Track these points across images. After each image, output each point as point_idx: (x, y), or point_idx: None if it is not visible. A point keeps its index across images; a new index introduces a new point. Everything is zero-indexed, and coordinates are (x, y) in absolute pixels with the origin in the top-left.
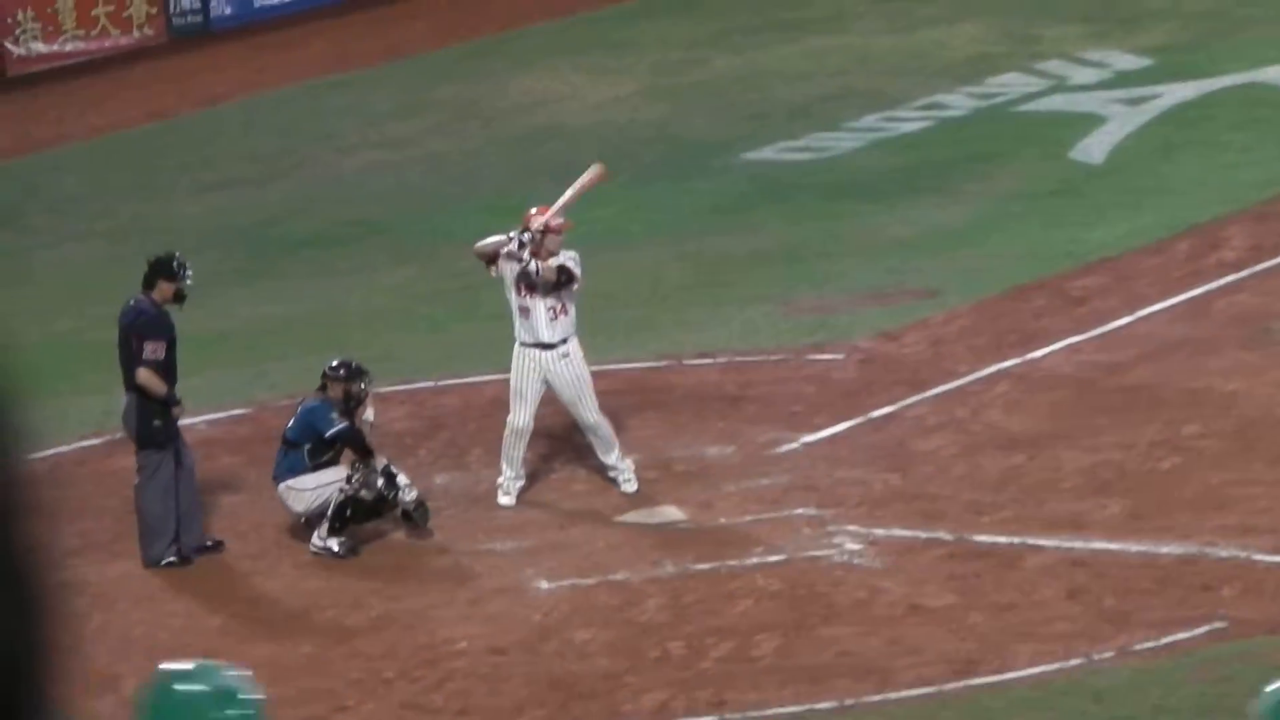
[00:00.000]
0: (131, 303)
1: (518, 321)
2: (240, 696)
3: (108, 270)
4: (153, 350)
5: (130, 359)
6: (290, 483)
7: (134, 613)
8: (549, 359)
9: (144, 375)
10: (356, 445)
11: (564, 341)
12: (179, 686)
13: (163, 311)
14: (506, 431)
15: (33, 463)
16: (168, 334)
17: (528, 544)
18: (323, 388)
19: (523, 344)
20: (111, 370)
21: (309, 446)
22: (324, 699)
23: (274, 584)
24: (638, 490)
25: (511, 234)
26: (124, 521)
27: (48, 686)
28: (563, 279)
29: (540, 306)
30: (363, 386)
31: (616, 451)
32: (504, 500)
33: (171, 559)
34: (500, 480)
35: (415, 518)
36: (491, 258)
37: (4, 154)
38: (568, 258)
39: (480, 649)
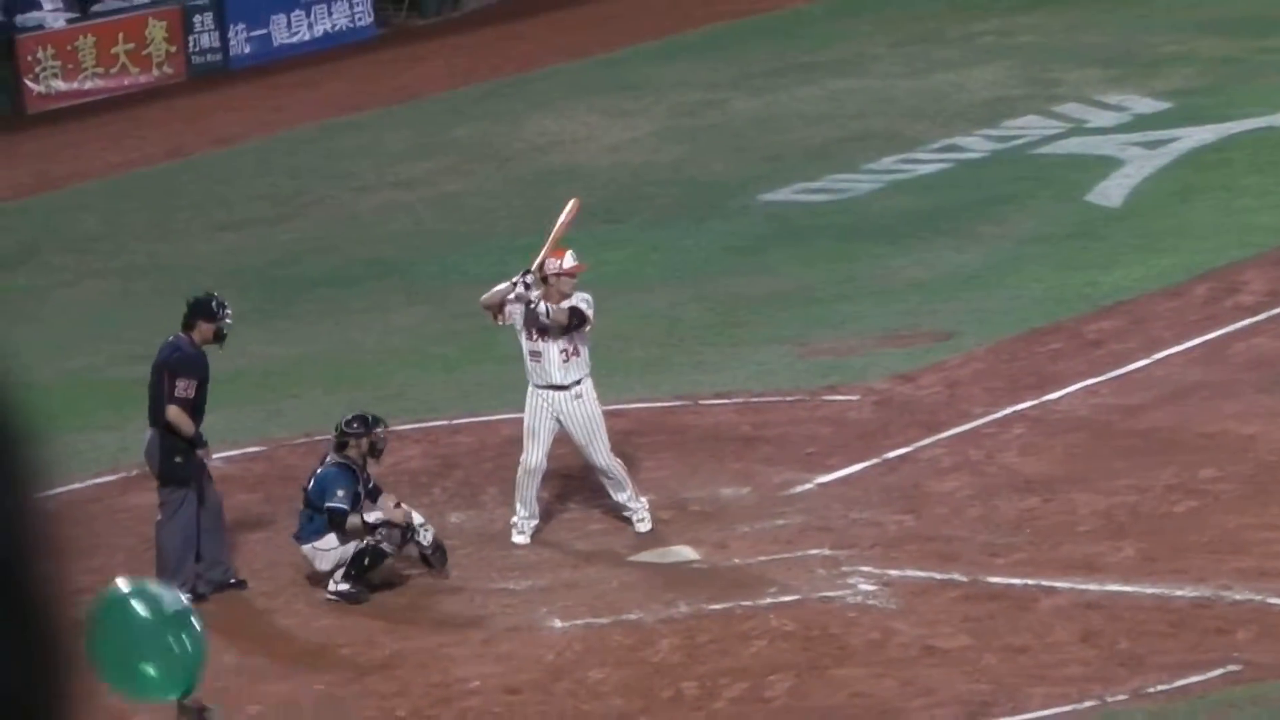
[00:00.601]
0: (170, 339)
1: (529, 364)
2: (187, 621)
3: (123, 308)
4: (184, 388)
5: (160, 395)
6: (316, 544)
7: None
8: (562, 400)
9: (174, 413)
10: (337, 526)
11: (577, 383)
12: (131, 605)
13: (200, 352)
14: (520, 471)
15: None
16: (201, 374)
17: (541, 583)
18: (342, 446)
19: (535, 386)
20: (125, 407)
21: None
22: None
23: (288, 621)
24: (651, 530)
25: (515, 279)
26: (139, 558)
27: None
28: (574, 321)
29: (553, 349)
30: (381, 434)
31: (629, 491)
32: (518, 539)
33: (185, 596)
34: (514, 519)
35: (433, 562)
36: (499, 306)
37: (23, 191)
38: (580, 299)
39: (494, 688)
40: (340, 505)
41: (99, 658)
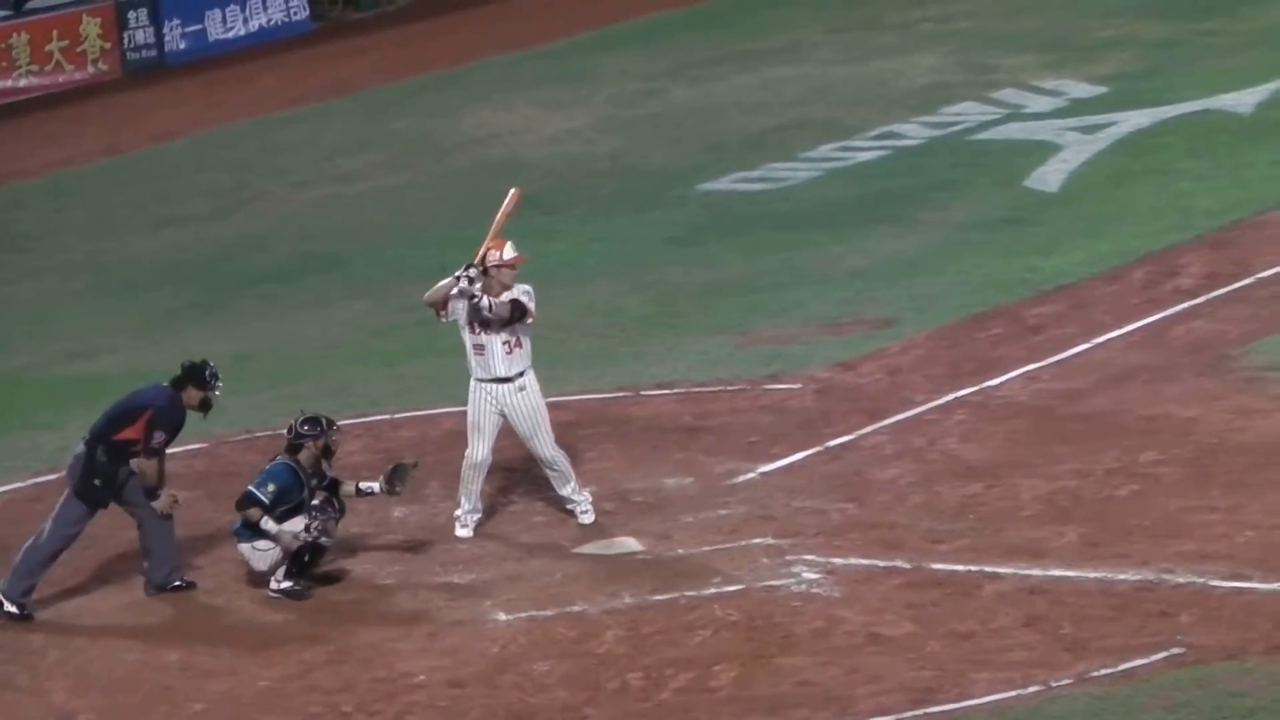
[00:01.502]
0: (163, 386)
1: (473, 359)
2: None
3: (62, 307)
4: (159, 441)
5: (118, 420)
6: (254, 543)
7: (91, 649)
8: (505, 392)
9: (145, 464)
10: (243, 509)
11: (520, 375)
12: None
13: (183, 411)
14: (465, 465)
15: None
16: (177, 433)
17: (485, 576)
18: (296, 449)
19: (479, 380)
20: (66, 406)
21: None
22: None
23: (231, 619)
24: (595, 522)
25: (458, 273)
26: (80, 557)
27: None
28: (516, 314)
29: (495, 342)
30: (335, 436)
31: (573, 484)
32: (461, 532)
33: (12, 610)
34: (457, 513)
35: (399, 480)
36: (442, 303)
37: None
38: (521, 291)
39: (438, 681)
40: (257, 494)
41: None
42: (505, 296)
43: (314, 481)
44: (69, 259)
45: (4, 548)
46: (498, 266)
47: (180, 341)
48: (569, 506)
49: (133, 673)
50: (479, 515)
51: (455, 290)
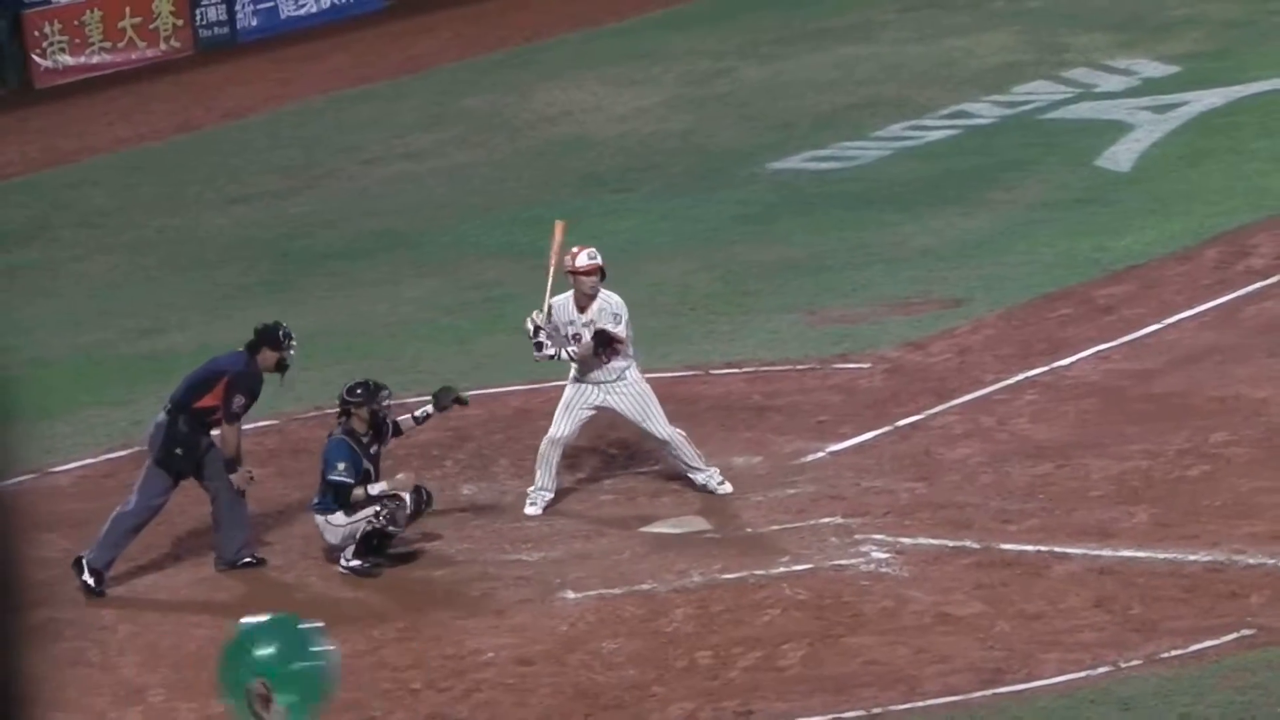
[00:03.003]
0: (239, 351)
1: (573, 360)
2: (312, 648)
3: (133, 283)
4: (239, 405)
5: (198, 388)
6: (329, 517)
7: (161, 624)
8: (604, 389)
9: (226, 429)
10: (342, 501)
11: (622, 372)
12: (256, 641)
13: (259, 374)
14: (544, 440)
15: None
16: (254, 397)
17: (554, 554)
18: (345, 414)
19: (575, 380)
20: (137, 382)
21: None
22: (352, 710)
23: (301, 595)
24: (732, 491)
25: (530, 334)
26: (152, 532)
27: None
28: (603, 343)
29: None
30: (386, 403)
31: (697, 459)
32: (530, 510)
33: (89, 581)
34: (530, 489)
35: (445, 397)
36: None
37: (32, 167)
38: (610, 316)
39: (507, 659)
40: (343, 479)
41: (235, 700)
42: (587, 333)
43: (374, 448)
44: (140, 235)
45: (79, 523)
46: (573, 273)
47: (250, 318)
48: (699, 483)
49: (202, 648)
50: (550, 495)
51: (536, 356)
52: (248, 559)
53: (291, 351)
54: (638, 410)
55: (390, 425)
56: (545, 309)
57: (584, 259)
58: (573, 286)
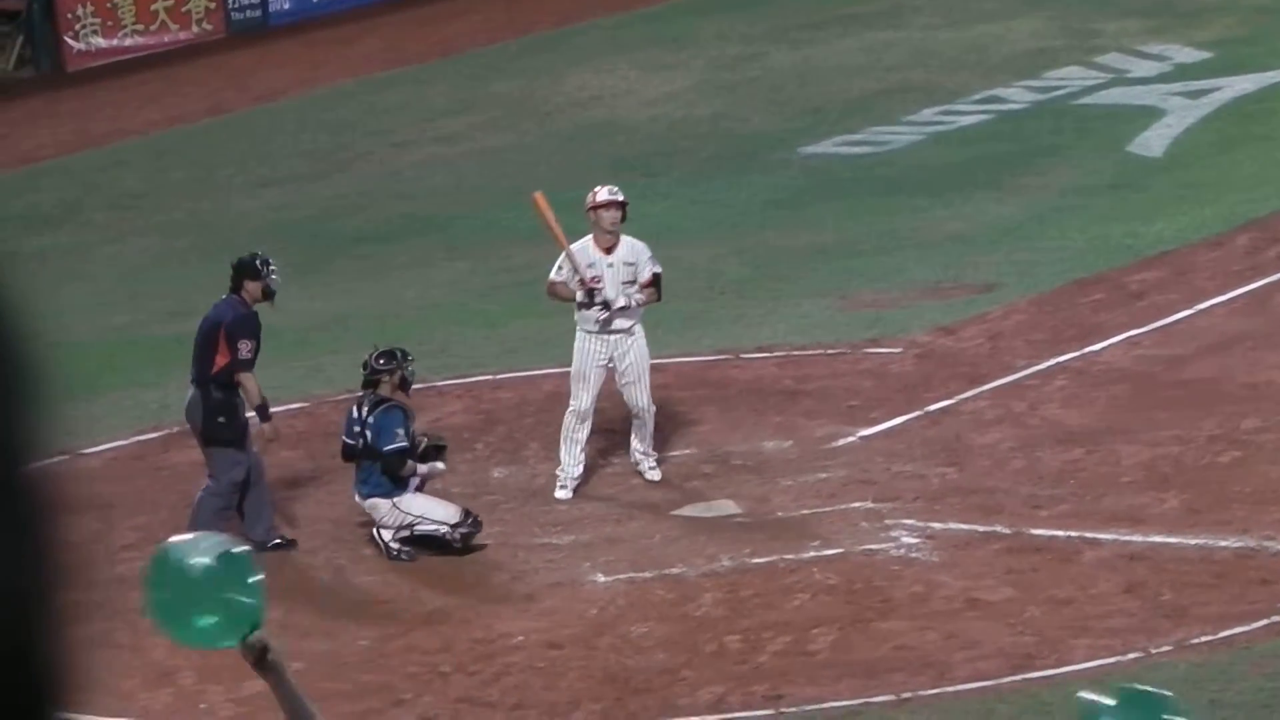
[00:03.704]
0: (224, 298)
1: (585, 311)
2: (245, 572)
3: (164, 266)
4: (247, 350)
5: (207, 353)
6: (397, 500)
7: None
8: (618, 340)
9: (245, 378)
10: (393, 469)
11: (633, 327)
12: (184, 559)
13: (253, 312)
14: (568, 416)
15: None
16: (258, 334)
17: (584, 538)
18: (374, 385)
19: (587, 332)
20: (168, 364)
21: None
22: (381, 693)
23: (331, 578)
24: (660, 480)
25: (574, 287)
26: (183, 515)
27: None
28: (657, 284)
29: (613, 293)
30: (411, 369)
31: (651, 439)
32: (560, 494)
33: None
34: (558, 471)
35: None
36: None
37: (64, 149)
38: (647, 258)
39: (536, 643)
40: (403, 444)
41: (156, 614)
42: (619, 254)
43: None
44: (171, 218)
45: (108, 505)
46: (594, 209)
47: (281, 301)
48: (636, 458)
49: None
50: (579, 471)
51: (591, 309)
52: (277, 540)
53: (274, 277)
54: (637, 370)
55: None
56: (562, 260)
57: (605, 194)
58: (593, 226)
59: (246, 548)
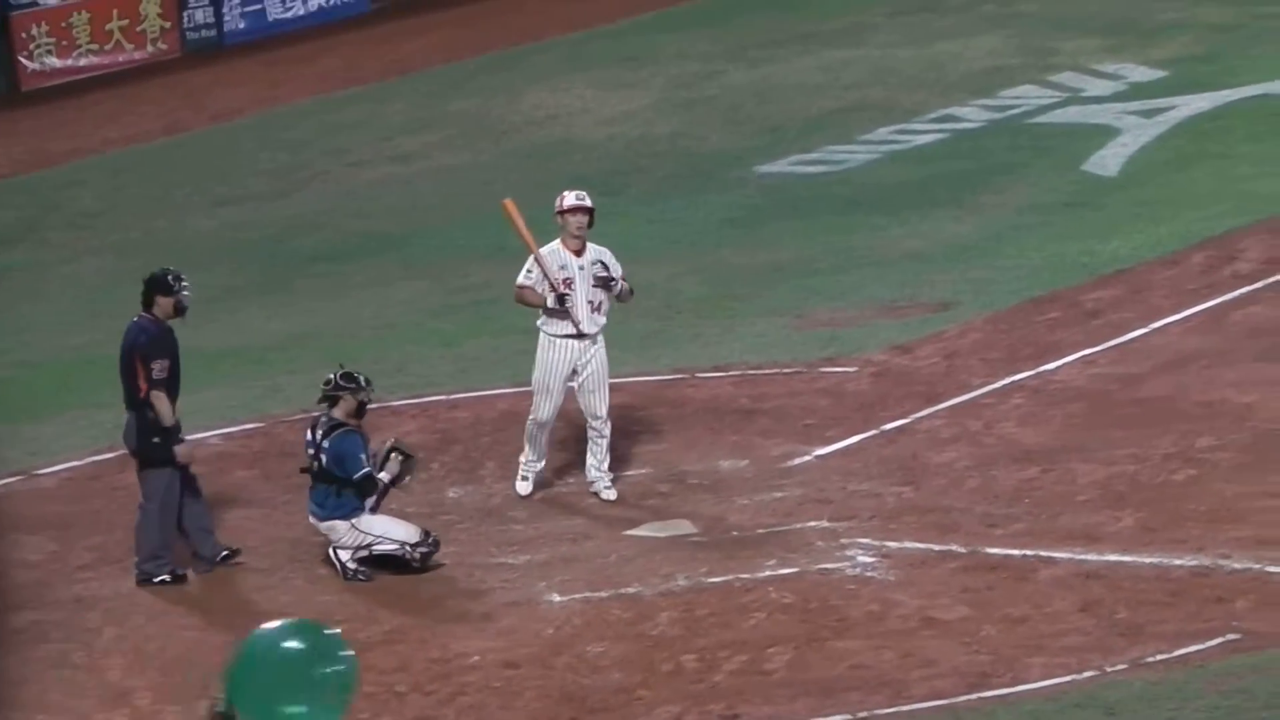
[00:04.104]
0: (134, 320)
1: (551, 317)
2: (338, 652)
3: (121, 285)
4: (159, 370)
5: (132, 378)
6: (355, 521)
7: (147, 627)
8: (585, 347)
9: (156, 397)
10: (368, 493)
11: (598, 334)
12: (277, 644)
13: (165, 329)
14: (530, 423)
15: None
16: (170, 352)
17: (540, 558)
18: (331, 400)
19: (553, 336)
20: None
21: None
22: None
23: (286, 598)
24: (616, 499)
25: (540, 289)
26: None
27: None
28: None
29: (581, 300)
30: (369, 395)
31: (607, 456)
32: (521, 486)
33: (164, 578)
34: (521, 458)
35: (406, 472)
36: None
37: (19, 168)
38: (613, 261)
39: (493, 663)
40: (370, 469)
41: (245, 705)
42: (588, 255)
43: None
44: (128, 237)
45: (64, 525)
46: (561, 213)
47: (237, 320)
48: (593, 476)
49: (189, 651)
50: (541, 468)
51: (560, 307)
52: (224, 552)
53: (185, 292)
54: (598, 378)
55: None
56: (531, 264)
57: (572, 199)
58: (560, 230)
59: (335, 631)
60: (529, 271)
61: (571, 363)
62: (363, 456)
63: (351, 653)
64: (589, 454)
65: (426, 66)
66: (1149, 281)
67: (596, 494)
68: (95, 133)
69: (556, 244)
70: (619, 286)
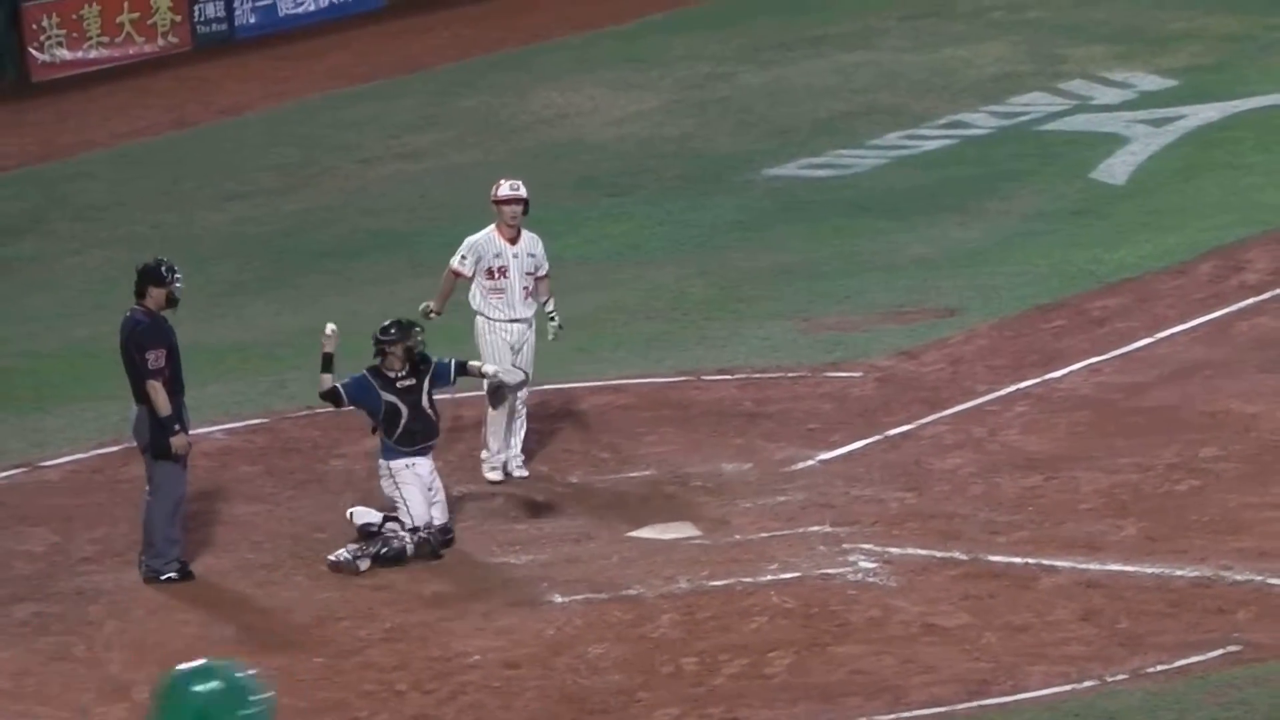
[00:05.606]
0: (127, 313)
1: (488, 300)
2: (251, 696)
3: (128, 278)
4: (155, 359)
5: (135, 371)
6: (391, 464)
7: (148, 621)
8: (520, 330)
9: (153, 387)
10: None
11: (531, 318)
12: (192, 686)
13: (158, 319)
14: (489, 412)
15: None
16: (165, 341)
17: (542, 558)
18: (381, 354)
19: (496, 320)
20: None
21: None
22: (336, 710)
23: (288, 594)
24: (527, 476)
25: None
26: (140, 529)
27: None
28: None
29: (516, 286)
30: (419, 339)
31: (519, 436)
32: (491, 475)
33: (172, 575)
34: (484, 454)
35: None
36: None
37: (29, 160)
38: (543, 253)
39: (493, 662)
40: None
41: None
42: (523, 244)
43: (411, 383)
44: (135, 230)
45: (67, 518)
46: (497, 203)
47: (244, 315)
48: (507, 458)
49: (189, 645)
50: (504, 456)
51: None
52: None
53: (178, 284)
54: (528, 359)
55: (431, 362)
56: (465, 251)
57: (506, 189)
58: (496, 217)
59: (252, 673)
60: (463, 258)
61: (510, 343)
62: (344, 385)
63: (270, 694)
64: (510, 434)
65: (437, 64)
66: (1155, 291)
67: (509, 473)
68: (104, 125)
69: (491, 230)
70: (540, 281)
